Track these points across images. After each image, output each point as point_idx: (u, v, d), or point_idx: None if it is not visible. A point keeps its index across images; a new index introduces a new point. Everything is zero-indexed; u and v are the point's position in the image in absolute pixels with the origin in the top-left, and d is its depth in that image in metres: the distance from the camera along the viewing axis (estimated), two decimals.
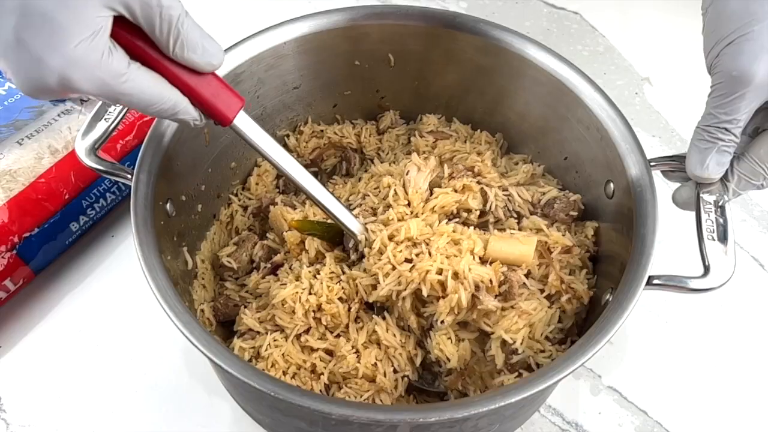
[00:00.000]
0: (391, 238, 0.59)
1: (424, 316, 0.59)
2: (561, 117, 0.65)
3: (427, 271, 0.56)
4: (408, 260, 0.58)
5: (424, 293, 0.56)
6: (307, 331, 0.59)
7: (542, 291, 0.59)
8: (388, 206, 0.62)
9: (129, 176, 0.54)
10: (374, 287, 0.58)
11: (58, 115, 0.73)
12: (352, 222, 0.60)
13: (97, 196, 0.73)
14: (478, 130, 0.73)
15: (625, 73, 0.94)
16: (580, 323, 0.62)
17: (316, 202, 0.57)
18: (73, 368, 0.67)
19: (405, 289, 0.57)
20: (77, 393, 0.65)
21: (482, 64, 0.68)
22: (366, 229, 0.60)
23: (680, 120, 0.89)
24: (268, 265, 0.64)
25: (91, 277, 0.72)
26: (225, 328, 0.64)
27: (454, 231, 0.59)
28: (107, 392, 0.65)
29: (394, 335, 0.58)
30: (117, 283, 0.72)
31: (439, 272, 0.56)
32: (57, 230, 0.70)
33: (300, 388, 0.45)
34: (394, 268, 0.57)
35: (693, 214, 0.54)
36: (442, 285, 0.56)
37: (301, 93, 0.71)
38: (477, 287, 0.55)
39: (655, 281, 0.51)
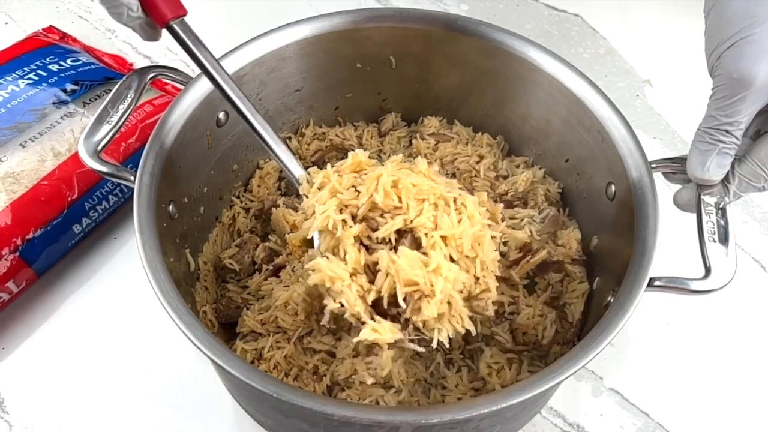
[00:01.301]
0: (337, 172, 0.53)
1: (374, 244, 0.51)
2: (562, 119, 0.66)
3: (379, 176, 0.50)
4: (354, 188, 0.51)
5: (378, 201, 0.49)
6: (309, 333, 0.59)
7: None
8: None
9: (132, 178, 0.55)
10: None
11: (61, 118, 0.73)
12: (291, 162, 0.56)
13: (99, 198, 0.73)
14: (480, 133, 0.74)
15: (626, 76, 0.94)
16: (581, 325, 0.62)
17: (256, 133, 0.55)
18: (76, 370, 0.67)
19: (356, 209, 0.50)
20: (80, 394, 0.65)
21: (484, 66, 0.68)
22: (309, 173, 0.55)
23: (681, 122, 0.89)
24: (270, 267, 0.64)
25: (93, 279, 0.72)
26: (227, 329, 0.64)
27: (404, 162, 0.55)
28: (110, 394, 0.65)
29: (344, 267, 0.50)
30: (120, 284, 0.72)
31: (394, 183, 0.50)
32: (60, 232, 0.70)
33: (302, 389, 0.45)
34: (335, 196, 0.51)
35: (694, 215, 0.54)
36: (399, 197, 0.50)
37: (302, 95, 0.71)
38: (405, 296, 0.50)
39: (657, 283, 0.51)
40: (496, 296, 0.54)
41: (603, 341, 0.47)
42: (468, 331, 0.62)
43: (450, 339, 0.51)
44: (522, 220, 0.66)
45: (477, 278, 0.53)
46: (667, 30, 0.99)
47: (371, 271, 0.51)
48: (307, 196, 0.54)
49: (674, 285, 0.51)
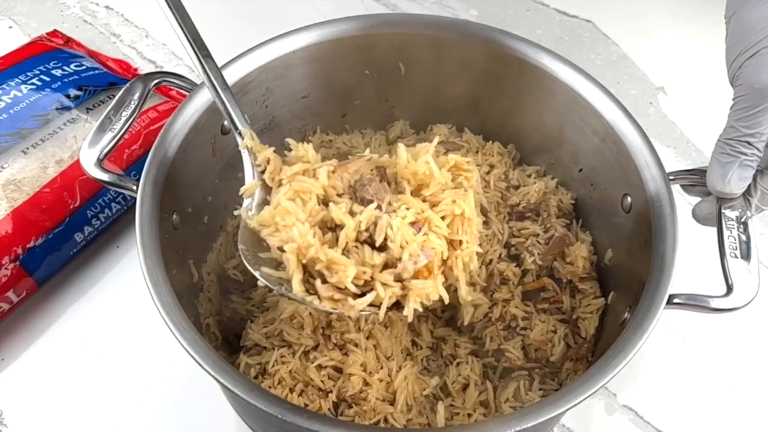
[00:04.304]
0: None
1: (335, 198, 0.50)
2: (576, 128, 0.64)
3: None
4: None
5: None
6: (315, 348, 0.58)
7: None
8: None
9: (134, 188, 0.53)
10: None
11: (64, 124, 0.72)
12: (236, 112, 0.54)
13: (102, 206, 0.71)
14: (490, 141, 0.72)
15: (639, 83, 0.92)
16: (595, 341, 0.60)
17: (205, 74, 0.53)
18: (76, 382, 0.65)
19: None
20: (80, 407, 0.64)
21: (495, 73, 0.67)
22: (252, 135, 0.53)
23: (696, 130, 0.87)
24: None
25: (95, 288, 0.71)
26: (231, 342, 0.63)
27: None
28: (111, 406, 0.64)
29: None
30: (122, 294, 0.71)
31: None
32: (61, 241, 0.69)
33: (307, 410, 0.44)
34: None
35: (714, 229, 0.52)
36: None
37: (309, 102, 0.70)
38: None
39: (676, 300, 0.49)
40: (476, 267, 0.51)
41: (621, 362, 0.45)
42: (479, 347, 0.61)
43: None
44: (527, 239, 0.64)
45: (460, 242, 0.49)
46: (681, 36, 0.97)
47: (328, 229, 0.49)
48: (248, 148, 0.53)
49: (694, 303, 0.49)
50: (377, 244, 0.46)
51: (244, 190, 0.52)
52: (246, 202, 0.52)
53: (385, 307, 0.46)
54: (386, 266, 0.47)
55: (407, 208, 0.48)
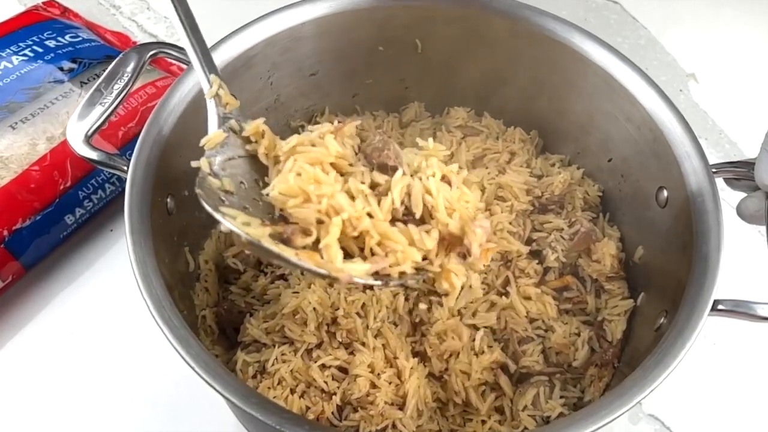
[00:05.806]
0: None
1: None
2: (607, 114, 0.59)
3: None
4: None
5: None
6: (319, 346, 0.53)
7: None
8: None
9: (125, 168, 0.49)
10: None
11: (56, 98, 0.68)
12: (208, 58, 0.49)
13: (95, 186, 0.68)
14: (512, 127, 0.68)
15: (669, 69, 0.87)
16: (622, 346, 0.56)
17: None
18: (63, 373, 0.62)
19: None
20: (68, 401, 0.61)
21: (519, 52, 0.62)
22: (222, 85, 0.47)
23: (729, 120, 0.82)
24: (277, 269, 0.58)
25: (86, 274, 0.68)
26: (229, 336, 0.58)
27: None
28: (101, 401, 0.61)
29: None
30: (114, 281, 0.67)
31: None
32: (50, 223, 0.65)
33: (309, 420, 0.40)
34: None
35: (762, 228, 0.48)
36: None
37: (318, 80, 0.65)
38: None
39: (720, 306, 0.45)
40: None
41: (660, 374, 0.41)
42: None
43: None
44: (550, 234, 0.59)
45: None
46: (714, 20, 0.93)
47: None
48: (217, 96, 0.47)
49: (740, 310, 0.45)
50: (417, 216, 0.41)
51: (206, 141, 0.45)
52: (207, 154, 0.45)
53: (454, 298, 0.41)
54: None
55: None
